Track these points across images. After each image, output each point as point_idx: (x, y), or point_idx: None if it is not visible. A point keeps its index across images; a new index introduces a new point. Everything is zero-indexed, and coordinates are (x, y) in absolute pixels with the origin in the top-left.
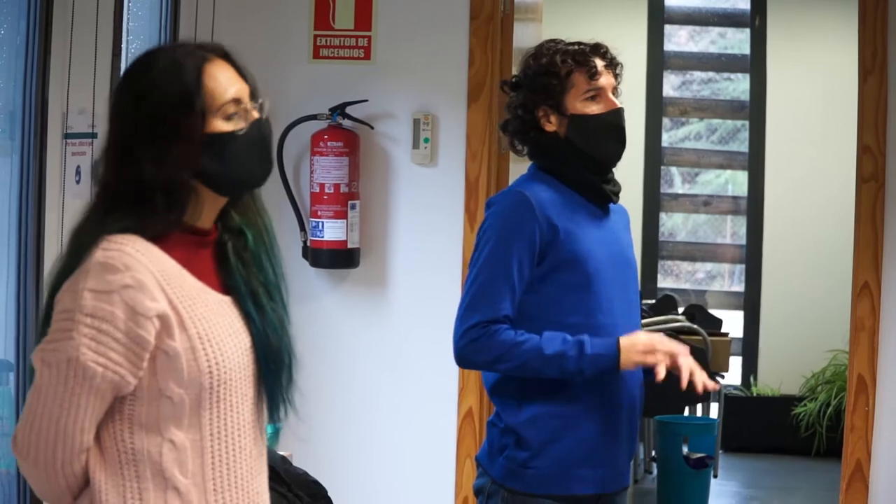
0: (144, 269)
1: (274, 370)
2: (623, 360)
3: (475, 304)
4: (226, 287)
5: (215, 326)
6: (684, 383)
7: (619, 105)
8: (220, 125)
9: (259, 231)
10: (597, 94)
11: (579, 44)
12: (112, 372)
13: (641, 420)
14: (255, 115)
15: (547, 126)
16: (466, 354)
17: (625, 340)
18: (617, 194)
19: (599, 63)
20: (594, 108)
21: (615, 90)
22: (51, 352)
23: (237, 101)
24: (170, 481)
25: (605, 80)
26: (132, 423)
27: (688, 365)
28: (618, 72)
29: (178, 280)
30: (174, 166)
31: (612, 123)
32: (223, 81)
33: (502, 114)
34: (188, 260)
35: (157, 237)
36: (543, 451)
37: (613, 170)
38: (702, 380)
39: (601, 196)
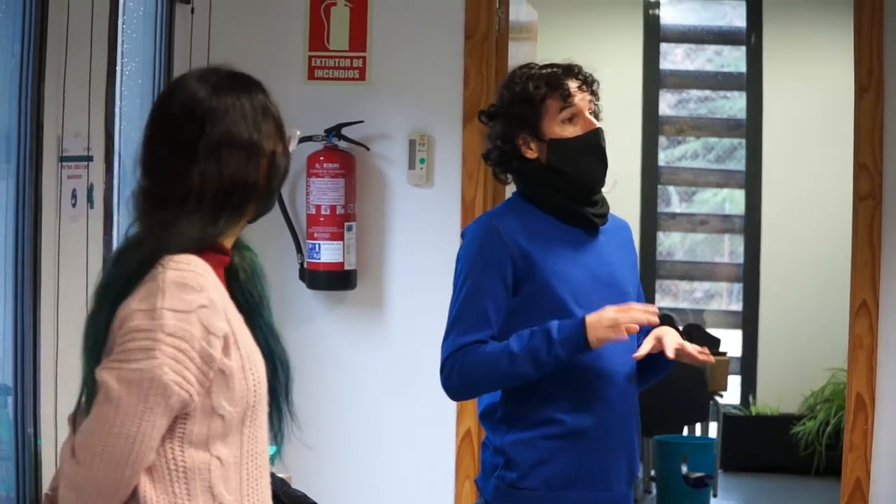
0: (214, 289)
1: (284, 383)
2: (590, 336)
3: (449, 338)
4: (235, 305)
5: (250, 345)
6: (670, 353)
7: (597, 125)
8: (283, 149)
9: (252, 246)
10: (573, 116)
11: (552, 66)
12: (185, 391)
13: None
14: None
15: (528, 153)
16: (450, 388)
17: (591, 317)
18: (603, 216)
19: (573, 84)
20: (572, 131)
21: (593, 110)
22: (131, 371)
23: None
24: (217, 497)
25: (581, 100)
26: (183, 440)
27: (673, 340)
28: (595, 89)
29: (227, 300)
30: (260, 177)
31: (591, 143)
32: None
33: (486, 142)
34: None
35: (202, 252)
36: (532, 472)
37: (603, 191)
38: (695, 348)
39: (583, 221)
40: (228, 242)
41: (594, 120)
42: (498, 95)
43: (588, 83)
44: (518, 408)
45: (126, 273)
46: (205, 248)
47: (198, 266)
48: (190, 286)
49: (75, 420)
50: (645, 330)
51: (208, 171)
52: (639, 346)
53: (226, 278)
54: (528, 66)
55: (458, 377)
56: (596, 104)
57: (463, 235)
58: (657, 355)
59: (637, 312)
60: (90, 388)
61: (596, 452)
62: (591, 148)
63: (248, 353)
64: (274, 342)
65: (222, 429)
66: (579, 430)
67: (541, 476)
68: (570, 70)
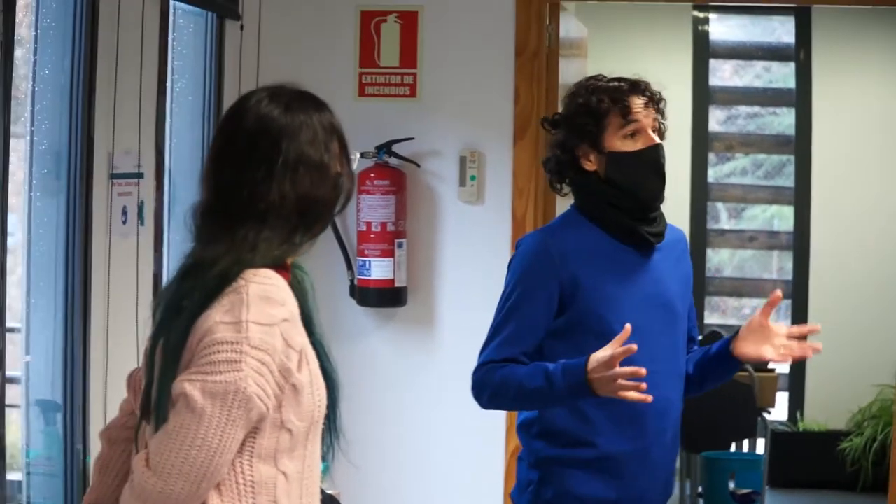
0: (294, 304)
1: (334, 399)
2: (597, 391)
3: (487, 347)
4: None
5: (315, 360)
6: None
7: (657, 141)
8: (349, 171)
9: (303, 267)
10: (635, 132)
11: (619, 80)
12: (264, 403)
13: (686, 456)
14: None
15: (587, 165)
16: (476, 395)
17: (592, 371)
18: (660, 234)
19: (638, 101)
20: (632, 146)
21: (657, 127)
22: (216, 382)
23: None
24: None
25: (644, 117)
26: (252, 454)
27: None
28: (660, 107)
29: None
30: (330, 194)
31: (650, 159)
32: None
33: (546, 151)
34: None
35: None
36: (568, 492)
37: (660, 207)
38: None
39: (639, 240)
40: (290, 260)
41: (655, 137)
42: (563, 105)
43: (654, 101)
44: (556, 424)
45: (204, 286)
46: (278, 265)
47: (278, 281)
48: (274, 300)
49: (136, 434)
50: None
51: (286, 190)
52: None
53: None
54: (595, 77)
55: (481, 394)
56: (661, 122)
57: (517, 245)
58: (727, 356)
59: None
60: (163, 401)
61: (633, 477)
62: (650, 163)
63: (314, 369)
64: (325, 359)
65: (289, 443)
66: (617, 455)
67: (575, 496)
68: (637, 86)
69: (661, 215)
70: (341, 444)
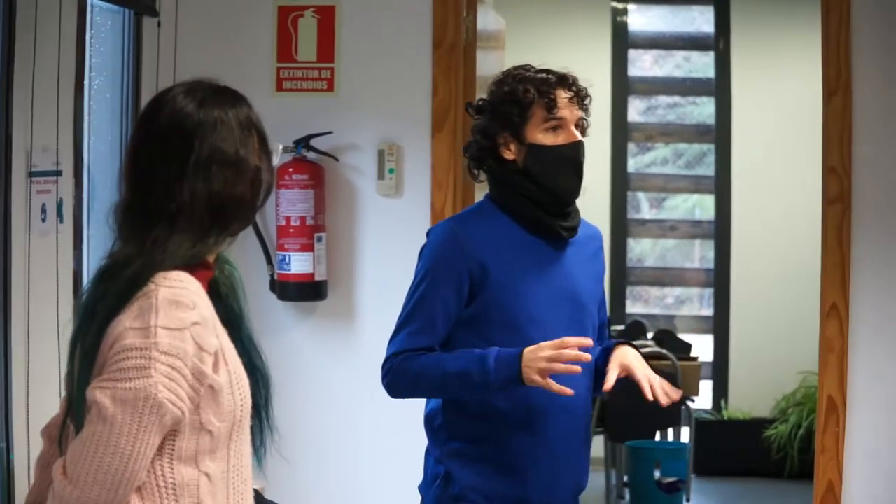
0: (206, 305)
1: (265, 396)
2: (525, 377)
3: (396, 337)
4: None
5: (237, 359)
6: (648, 395)
7: (579, 138)
8: (268, 165)
9: (232, 263)
10: (558, 126)
11: (547, 72)
12: (178, 408)
13: (611, 446)
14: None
15: (506, 154)
16: (388, 385)
17: (527, 355)
18: (573, 229)
19: (564, 95)
20: (553, 139)
21: (580, 123)
22: (126, 389)
23: None
24: None
25: (568, 112)
26: (172, 457)
27: (645, 376)
28: (585, 104)
29: (215, 316)
30: (247, 191)
31: (570, 155)
32: None
33: (467, 140)
34: None
35: (192, 269)
36: (473, 489)
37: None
38: (663, 391)
39: (551, 233)
40: (212, 257)
41: (577, 133)
42: (488, 91)
43: (580, 96)
44: (458, 418)
45: (116, 291)
46: (194, 264)
47: (190, 283)
48: (183, 304)
49: (60, 439)
50: (605, 346)
51: (198, 188)
52: (597, 364)
53: (209, 293)
54: (524, 67)
55: (393, 380)
56: (585, 119)
57: (427, 234)
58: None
59: (568, 353)
60: (80, 407)
61: (539, 473)
62: (569, 160)
63: (234, 369)
64: (255, 356)
65: (210, 444)
66: (522, 450)
67: (482, 493)
68: (565, 80)
69: (576, 210)
70: (274, 440)
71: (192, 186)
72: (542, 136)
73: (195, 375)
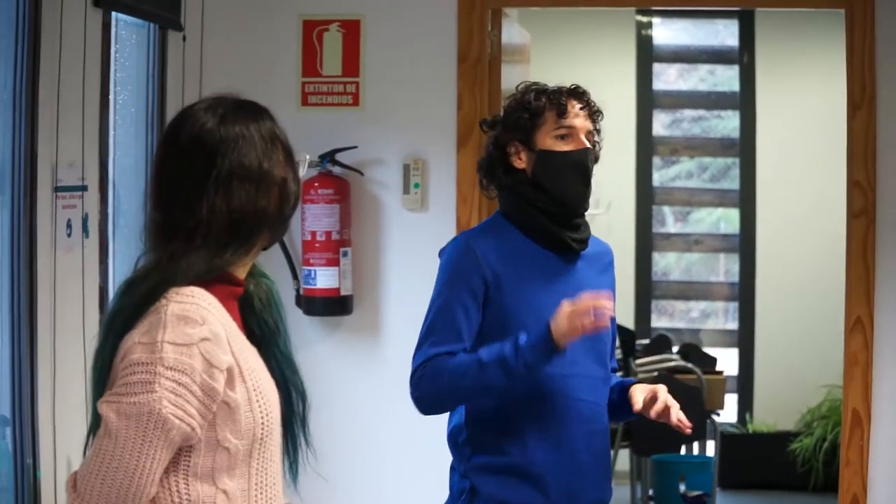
0: (217, 321)
1: (301, 412)
2: (557, 337)
3: (419, 350)
4: (249, 333)
5: (261, 377)
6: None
7: (587, 145)
8: (294, 175)
9: (269, 275)
10: (567, 134)
11: (560, 86)
12: (186, 424)
13: (637, 460)
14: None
15: (516, 163)
16: (418, 398)
17: (553, 319)
18: (584, 241)
19: (575, 105)
20: (562, 146)
21: (591, 137)
22: (130, 404)
23: None
24: None
25: (579, 122)
26: (188, 473)
27: (664, 400)
28: (596, 119)
29: (234, 332)
30: (271, 206)
31: (577, 162)
32: None
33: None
34: (228, 310)
35: (211, 284)
36: (499, 499)
37: (596, 212)
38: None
39: (562, 246)
40: (241, 272)
41: (586, 142)
42: (504, 106)
43: (591, 110)
44: (482, 433)
45: (131, 305)
46: (213, 279)
47: (202, 298)
48: (192, 319)
49: (84, 451)
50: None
51: (217, 204)
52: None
53: (241, 307)
54: (537, 83)
55: (426, 387)
56: (595, 134)
57: (440, 255)
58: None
59: (588, 301)
60: (94, 421)
61: (562, 483)
62: (577, 167)
63: (256, 385)
64: (290, 371)
65: (228, 461)
66: (545, 461)
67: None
68: (576, 92)
69: (586, 223)
70: (309, 457)
71: (211, 202)
72: (552, 143)
73: (205, 391)
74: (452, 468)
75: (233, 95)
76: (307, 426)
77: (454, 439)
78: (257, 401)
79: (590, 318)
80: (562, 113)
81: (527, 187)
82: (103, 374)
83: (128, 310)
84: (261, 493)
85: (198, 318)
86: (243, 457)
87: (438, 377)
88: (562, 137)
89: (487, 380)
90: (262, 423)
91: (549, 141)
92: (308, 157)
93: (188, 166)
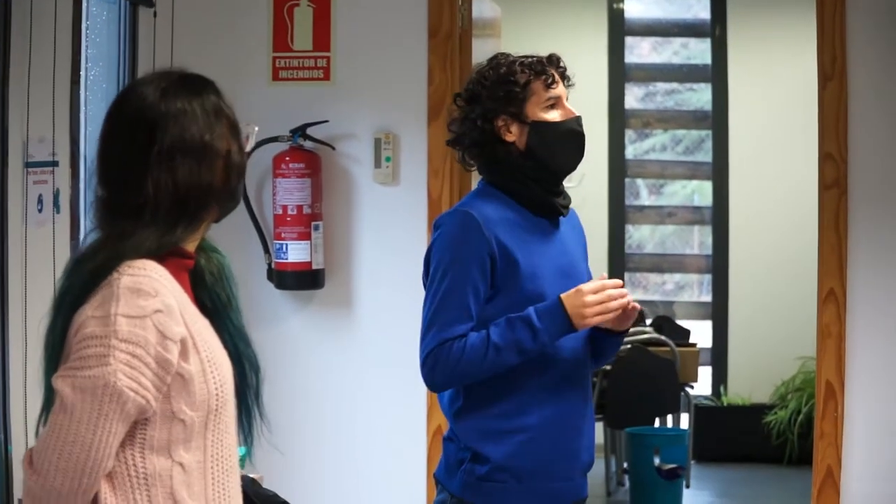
0: (169, 293)
1: (254, 385)
2: (577, 323)
3: (430, 332)
4: (201, 306)
5: (214, 348)
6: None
7: (577, 113)
8: (238, 147)
9: (220, 248)
10: (555, 103)
11: (533, 56)
12: (141, 396)
13: (611, 433)
14: (246, 142)
15: (507, 136)
16: (433, 383)
17: (569, 302)
18: (567, 207)
19: (556, 73)
20: (554, 116)
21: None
22: (85, 378)
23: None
24: (179, 503)
25: (562, 89)
26: (143, 446)
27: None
28: (569, 84)
29: (186, 304)
30: (217, 179)
31: (573, 130)
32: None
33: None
34: (180, 283)
35: (163, 258)
36: (500, 465)
37: (569, 185)
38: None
39: (551, 211)
40: (191, 245)
41: (572, 108)
42: (478, 78)
43: (565, 76)
44: (480, 399)
45: (79, 283)
46: (164, 253)
47: (153, 271)
48: (145, 291)
49: (37, 430)
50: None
51: (162, 180)
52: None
53: (192, 281)
54: (504, 54)
55: (441, 373)
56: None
57: (436, 226)
58: (606, 335)
59: (613, 292)
60: (49, 396)
61: (559, 444)
62: (573, 134)
63: (209, 357)
64: (242, 344)
65: (184, 434)
66: (542, 423)
67: (509, 469)
68: (552, 59)
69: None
70: (264, 429)
71: (156, 178)
72: (543, 113)
73: (159, 363)
74: (448, 438)
75: (179, 70)
76: (261, 399)
77: (450, 408)
78: (211, 372)
79: (617, 309)
80: (550, 83)
81: (519, 158)
82: (55, 352)
83: (76, 288)
84: (217, 466)
85: (150, 291)
86: (199, 429)
87: (454, 363)
88: (551, 107)
89: (503, 361)
90: (217, 395)
91: (539, 112)
92: (256, 129)
93: (130, 142)
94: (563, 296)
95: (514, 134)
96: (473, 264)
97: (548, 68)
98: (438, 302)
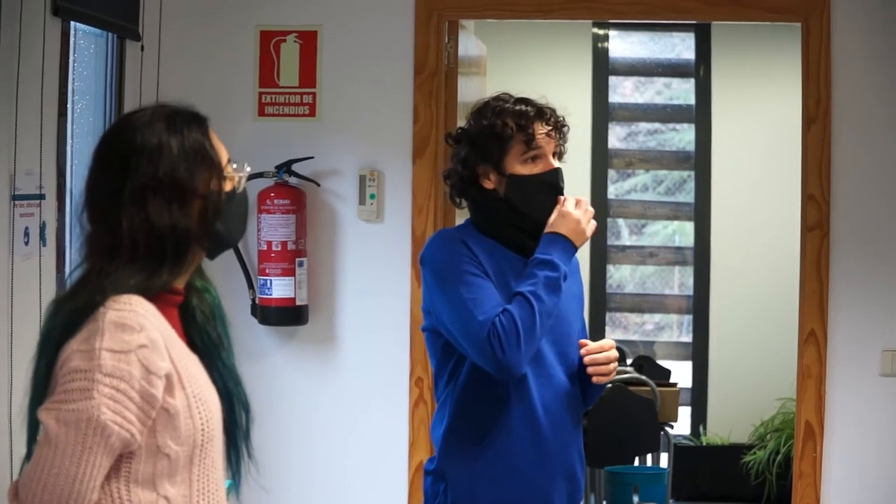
0: (154, 328)
1: (244, 424)
2: (578, 243)
3: (472, 323)
4: (191, 344)
5: (202, 384)
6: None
7: (556, 165)
8: (225, 185)
9: (214, 288)
10: (536, 157)
11: (525, 103)
12: (126, 430)
13: (591, 471)
14: (237, 176)
15: (486, 184)
16: (505, 360)
17: (562, 224)
18: None
19: (542, 128)
20: (531, 169)
21: (558, 152)
22: (69, 411)
23: (228, 161)
24: None
25: (546, 143)
26: (129, 480)
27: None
28: (563, 133)
29: (173, 340)
30: (192, 221)
31: (549, 183)
32: (218, 142)
33: (447, 166)
34: (167, 318)
35: (153, 296)
36: (472, 496)
37: None
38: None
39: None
40: (179, 283)
41: (554, 162)
42: (467, 121)
43: (558, 127)
44: (457, 437)
45: (61, 325)
46: (168, 286)
47: (139, 306)
48: (129, 326)
49: (22, 465)
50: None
51: (135, 218)
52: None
53: (182, 318)
54: (502, 98)
55: (509, 346)
56: (562, 146)
57: (422, 260)
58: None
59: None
60: (31, 430)
61: (535, 481)
62: (548, 186)
63: (195, 393)
64: (232, 383)
65: (169, 468)
66: (519, 461)
67: (481, 501)
68: (542, 113)
69: None
70: (251, 467)
71: (129, 216)
72: (521, 167)
73: (144, 398)
74: (426, 471)
75: (174, 104)
76: (250, 438)
77: (434, 438)
78: (197, 407)
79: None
80: (529, 141)
81: (499, 205)
82: (40, 388)
83: (58, 329)
84: (203, 499)
85: (135, 325)
86: (184, 463)
87: (514, 331)
88: (531, 160)
89: (546, 304)
90: (203, 430)
91: (517, 166)
92: (249, 168)
93: (109, 177)
94: (550, 224)
95: (492, 182)
96: (468, 263)
97: (532, 123)
98: (460, 302)
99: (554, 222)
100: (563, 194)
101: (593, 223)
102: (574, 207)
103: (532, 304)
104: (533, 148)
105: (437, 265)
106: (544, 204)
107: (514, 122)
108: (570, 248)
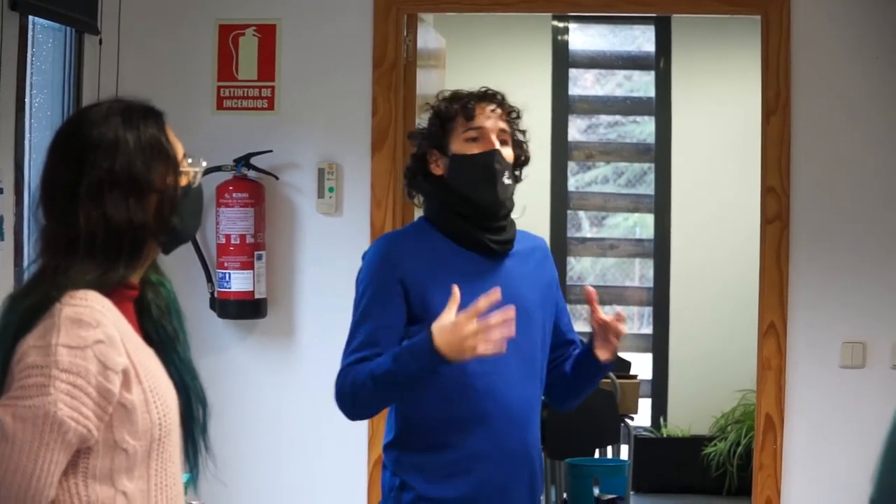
0: (111, 324)
1: (201, 418)
2: (453, 356)
3: (343, 356)
4: (147, 338)
5: (158, 378)
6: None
7: (496, 146)
8: (180, 179)
9: (169, 282)
10: (478, 136)
11: (472, 90)
12: (83, 426)
13: (550, 463)
14: (192, 171)
15: (435, 170)
16: (341, 404)
17: (440, 332)
18: (508, 242)
19: (486, 107)
20: (471, 149)
21: (506, 138)
22: (26, 407)
23: (184, 156)
24: None
25: (490, 122)
26: (86, 475)
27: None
28: (512, 118)
29: (129, 334)
30: (149, 215)
31: (484, 164)
32: (174, 137)
33: (406, 159)
34: (123, 312)
35: (109, 291)
36: (424, 494)
37: (512, 216)
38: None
39: (482, 247)
40: (135, 277)
41: (496, 143)
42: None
43: (504, 109)
44: (412, 430)
45: (16, 321)
46: (124, 282)
47: (95, 301)
48: (86, 322)
49: None
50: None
51: (92, 213)
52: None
53: (138, 312)
54: (457, 91)
55: (340, 398)
56: (514, 133)
57: (363, 258)
58: (589, 359)
59: (497, 318)
60: None
61: (492, 476)
62: (483, 167)
63: (152, 387)
64: (189, 377)
65: (126, 462)
66: (474, 454)
67: (433, 499)
68: (487, 95)
69: (511, 223)
70: (209, 461)
71: (86, 211)
72: (462, 147)
73: (100, 393)
74: (384, 465)
75: (129, 98)
76: (207, 432)
77: (386, 437)
78: (154, 402)
79: (482, 341)
80: (469, 116)
81: (445, 192)
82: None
83: (14, 325)
84: (161, 494)
85: (91, 321)
86: (142, 458)
87: (347, 390)
88: (473, 140)
89: (384, 391)
90: (160, 424)
91: (459, 145)
92: (205, 163)
93: (65, 172)
94: (434, 326)
95: (440, 167)
96: (385, 295)
97: (472, 102)
98: (351, 332)
99: (441, 327)
100: (496, 177)
101: (495, 345)
102: (467, 321)
103: (366, 385)
104: (472, 125)
105: (359, 277)
106: (480, 186)
107: (458, 102)
108: (435, 358)
